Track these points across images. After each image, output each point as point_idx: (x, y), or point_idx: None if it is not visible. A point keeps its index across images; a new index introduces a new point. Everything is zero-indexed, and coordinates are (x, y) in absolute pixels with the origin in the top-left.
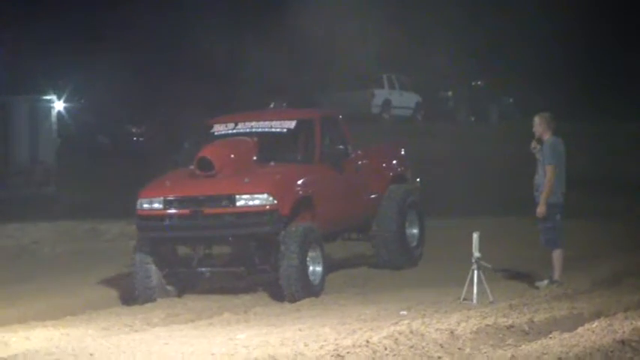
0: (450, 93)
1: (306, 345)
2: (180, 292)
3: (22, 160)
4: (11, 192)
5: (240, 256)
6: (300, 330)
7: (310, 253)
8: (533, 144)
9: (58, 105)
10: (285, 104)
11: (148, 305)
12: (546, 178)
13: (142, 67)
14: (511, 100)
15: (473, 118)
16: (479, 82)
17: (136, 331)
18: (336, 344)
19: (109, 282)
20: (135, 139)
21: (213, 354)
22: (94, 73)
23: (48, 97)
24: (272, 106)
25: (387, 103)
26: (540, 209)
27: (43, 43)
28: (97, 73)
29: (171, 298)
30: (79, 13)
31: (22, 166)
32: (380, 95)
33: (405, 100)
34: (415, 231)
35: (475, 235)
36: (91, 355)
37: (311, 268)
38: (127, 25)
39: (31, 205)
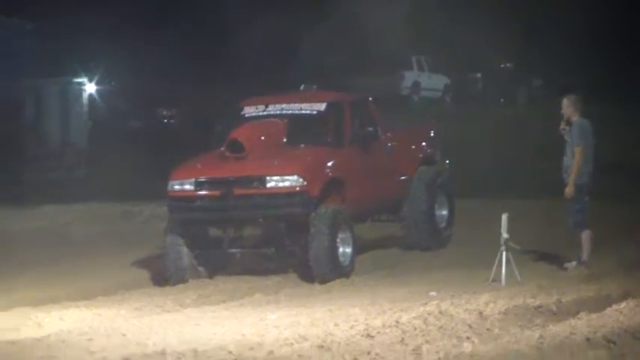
0: (478, 75)
1: (336, 325)
2: (212, 274)
3: (53, 142)
4: (43, 174)
5: (270, 238)
6: (330, 310)
7: (340, 235)
8: (562, 125)
9: (90, 87)
10: (315, 87)
11: (180, 286)
12: (574, 160)
13: (173, 50)
14: (540, 82)
15: (502, 100)
16: (508, 64)
17: (168, 311)
18: (366, 324)
19: (140, 263)
20: (166, 121)
21: (244, 334)
22: (125, 55)
23: (79, 80)
24: (302, 88)
25: (416, 85)
26: (569, 190)
27: (74, 25)
28: (128, 55)
29: (202, 279)
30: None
31: (54, 149)
32: (409, 77)
33: (434, 82)
34: (444, 212)
35: (504, 217)
36: (123, 335)
37: (341, 249)
38: (158, 8)
39: (63, 188)
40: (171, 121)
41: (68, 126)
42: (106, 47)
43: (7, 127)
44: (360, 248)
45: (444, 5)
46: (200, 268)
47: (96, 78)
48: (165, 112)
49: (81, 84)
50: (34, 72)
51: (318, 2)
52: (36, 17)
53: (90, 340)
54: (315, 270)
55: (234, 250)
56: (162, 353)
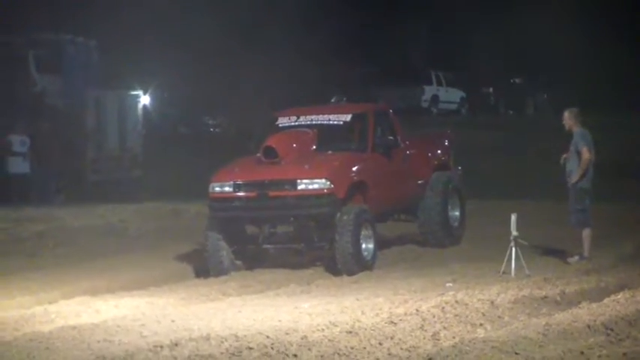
0: (491, 89)
1: (363, 313)
2: (250, 266)
3: (112, 147)
4: (103, 176)
5: (301, 234)
6: (357, 300)
7: (363, 232)
8: (563, 158)
9: (144, 99)
10: (345, 99)
11: (223, 277)
12: (583, 159)
13: (218, 65)
14: (545, 95)
15: (511, 112)
16: (517, 80)
17: (212, 300)
18: (390, 312)
19: (187, 257)
20: (211, 129)
21: (280, 320)
22: (174, 69)
23: (135, 92)
24: (333, 100)
25: (435, 99)
26: (574, 179)
27: (131, 42)
28: (177, 69)
29: (243, 271)
30: (163, 20)
31: (113, 153)
32: (429, 91)
33: (451, 96)
34: (457, 213)
35: (513, 216)
36: (172, 321)
37: (364, 245)
38: (204, 29)
39: (120, 188)
40: (217, 129)
41: (125, 132)
42: (159, 62)
43: (71, 133)
44: (382, 244)
45: (462, 27)
46: (238, 262)
47: (149, 90)
48: (210, 121)
49: (136, 96)
50: (97, 84)
51: (351, 25)
52: (98, 35)
53: (142, 325)
54: (341, 264)
55: (268, 246)
56: (207, 338)
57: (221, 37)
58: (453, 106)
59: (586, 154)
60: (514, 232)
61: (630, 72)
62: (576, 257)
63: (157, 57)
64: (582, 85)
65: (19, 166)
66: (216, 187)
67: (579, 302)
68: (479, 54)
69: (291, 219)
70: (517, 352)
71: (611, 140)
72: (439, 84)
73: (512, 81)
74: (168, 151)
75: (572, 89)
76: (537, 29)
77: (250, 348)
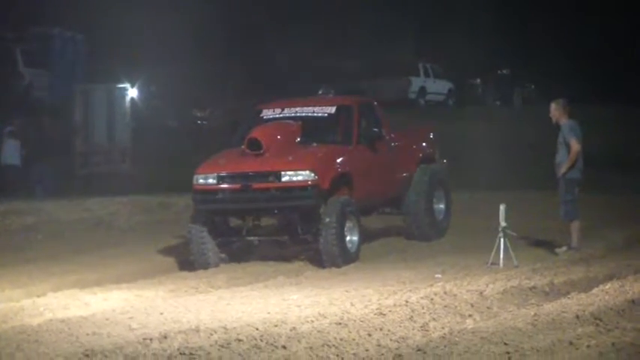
0: (478, 80)
1: (352, 304)
2: (237, 259)
3: (100, 141)
4: (91, 169)
5: (285, 227)
6: (346, 291)
7: (347, 224)
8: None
9: (132, 92)
10: (332, 91)
11: (212, 270)
12: (572, 150)
13: (205, 58)
14: (533, 86)
15: (498, 103)
16: (504, 71)
17: (201, 292)
18: (379, 304)
19: (176, 249)
20: (199, 122)
21: (269, 313)
22: (162, 62)
23: (123, 86)
24: (320, 92)
25: (422, 90)
26: (562, 170)
27: (119, 36)
28: (165, 62)
29: (231, 263)
30: (151, 12)
31: (101, 147)
32: (416, 83)
33: (439, 87)
34: (442, 206)
35: (502, 207)
36: (161, 313)
37: (348, 237)
38: (192, 22)
39: (108, 181)
40: (204, 122)
41: (113, 126)
42: (146, 56)
43: (59, 127)
44: (369, 237)
45: (449, 18)
46: (222, 255)
47: (137, 83)
48: (198, 114)
49: (124, 89)
50: (84, 78)
51: (337, 17)
52: (86, 29)
53: (131, 318)
54: (325, 256)
55: (252, 238)
56: (197, 330)
57: (209, 30)
58: (441, 98)
59: (575, 146)
60: (502, 223)
61: (618, 63)
62: (564, 248)
63: (145, 50)
64: (570, 76)
65: (10, 157)
66: (200, 179)
67: (568, 292)
68: (466, 45)
69: (275, 211)
70: (506, 342)
71: (599, 132)
72: (426, 75)
73: (499, 72)
74: (157, 144)
75: (560, 80)
76: (525, 20)
77: (239, 340)
